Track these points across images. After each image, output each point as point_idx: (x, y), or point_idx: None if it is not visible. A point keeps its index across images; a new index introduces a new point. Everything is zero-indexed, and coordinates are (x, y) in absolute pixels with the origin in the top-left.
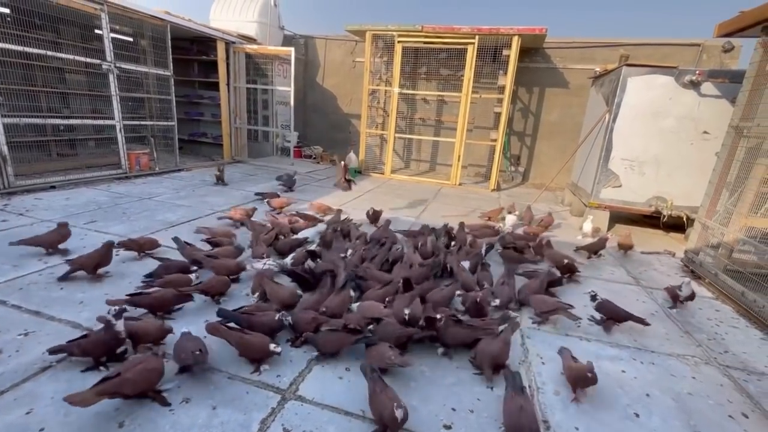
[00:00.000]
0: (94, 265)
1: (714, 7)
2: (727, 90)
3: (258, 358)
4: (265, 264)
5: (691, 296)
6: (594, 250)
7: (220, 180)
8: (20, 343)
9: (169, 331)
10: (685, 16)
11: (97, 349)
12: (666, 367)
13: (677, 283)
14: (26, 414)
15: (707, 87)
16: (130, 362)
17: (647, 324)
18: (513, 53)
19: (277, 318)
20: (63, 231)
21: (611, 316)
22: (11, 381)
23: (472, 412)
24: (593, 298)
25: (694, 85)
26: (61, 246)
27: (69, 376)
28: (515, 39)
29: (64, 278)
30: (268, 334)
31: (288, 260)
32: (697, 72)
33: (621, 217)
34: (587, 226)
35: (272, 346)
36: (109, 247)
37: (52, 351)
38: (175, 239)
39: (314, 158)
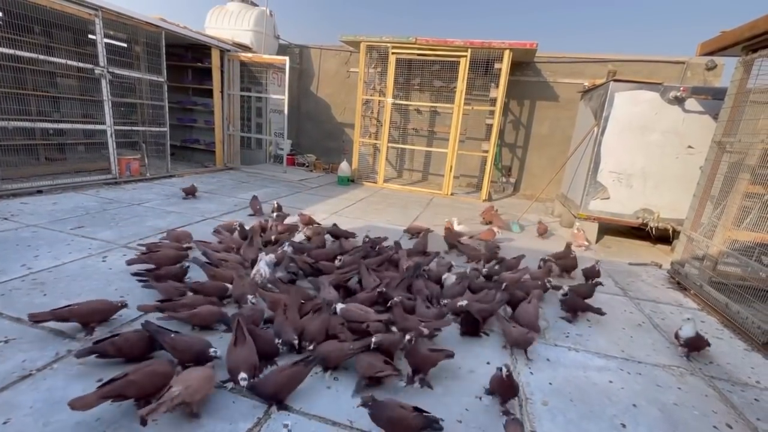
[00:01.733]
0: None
1: (699, 27)
2: (710, 106)
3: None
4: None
5: (698, 341)
6: (590, 276)
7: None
8: (0, 350)
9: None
10: (671, 35)
11: (134, 349)
12: (652, 377)
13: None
14: (3, 424)
15: (691, 103)
16: (140, 365)
17: (603, 313)
18: (504, 66)
19: (277, 343)
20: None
21: (573, 308)
22: None
23: (460, 422)
24: (563, 295)
25: (679, 101)
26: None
27: (49, 385)
28: (507, 52)
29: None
30: (261, 352)
31: (269, 258)
32: (682, 88)
33: (609, 228)
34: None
35: (241, 375)
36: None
37: (80, 354)
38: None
39: (307, 166)
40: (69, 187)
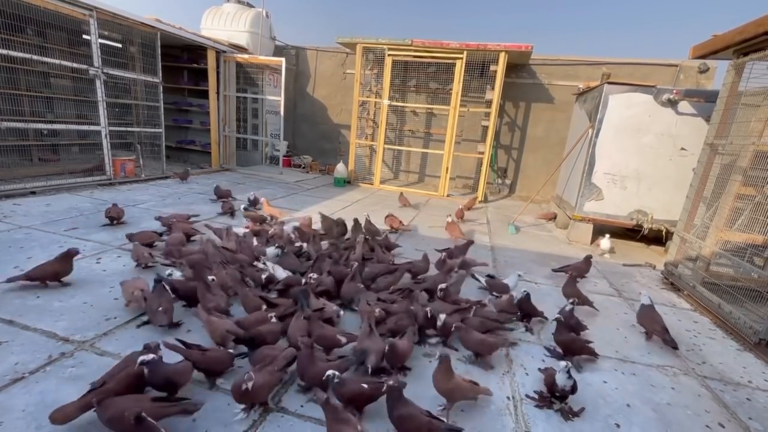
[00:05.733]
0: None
1: (692, 30)
2: (703, 109)
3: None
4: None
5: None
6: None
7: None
8: None
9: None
10: (665, 37)
11: (216, 365)
12: (646, 377)
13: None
14: None
15: (684, 105)
16: (113, 369)
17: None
18: (500, 68)
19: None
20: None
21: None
22: None
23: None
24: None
25: (672, 103)
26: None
27: (42, 388)
28: (502, 55)
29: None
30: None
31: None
32: (674, 91)
33: (604, 229)
34: (606, 244)
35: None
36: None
37: (167, 346)
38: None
39: (303, 168)
40: (63, 188)
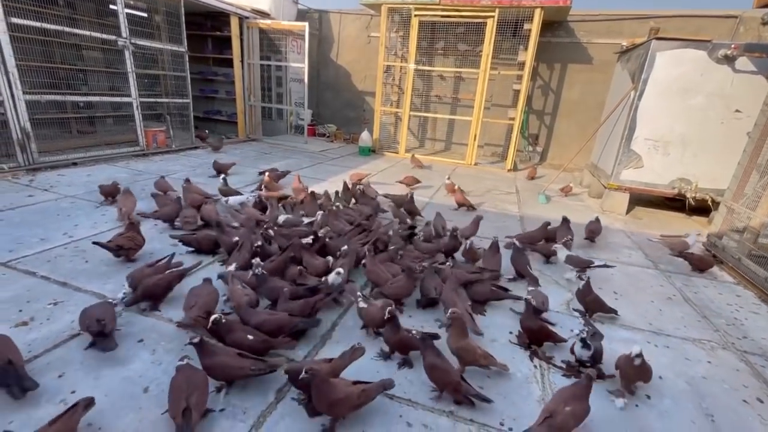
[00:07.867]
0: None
1: None
2: (765, 65)
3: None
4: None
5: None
6: (701, 267)
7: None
8: (50, 311)
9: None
10: None
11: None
12: (681, 350)
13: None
14: (58, 377)
15: (742, 62)
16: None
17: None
18: (535, 27)
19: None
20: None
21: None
22: (43, 347)
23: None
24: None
25: (729, 59)
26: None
27: None
28: (537, 12)
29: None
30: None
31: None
32: (733, 45)
33: (641, 199)
34: (692, 240)
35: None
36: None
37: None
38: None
39: (328, 137)
40: (101, 159)
